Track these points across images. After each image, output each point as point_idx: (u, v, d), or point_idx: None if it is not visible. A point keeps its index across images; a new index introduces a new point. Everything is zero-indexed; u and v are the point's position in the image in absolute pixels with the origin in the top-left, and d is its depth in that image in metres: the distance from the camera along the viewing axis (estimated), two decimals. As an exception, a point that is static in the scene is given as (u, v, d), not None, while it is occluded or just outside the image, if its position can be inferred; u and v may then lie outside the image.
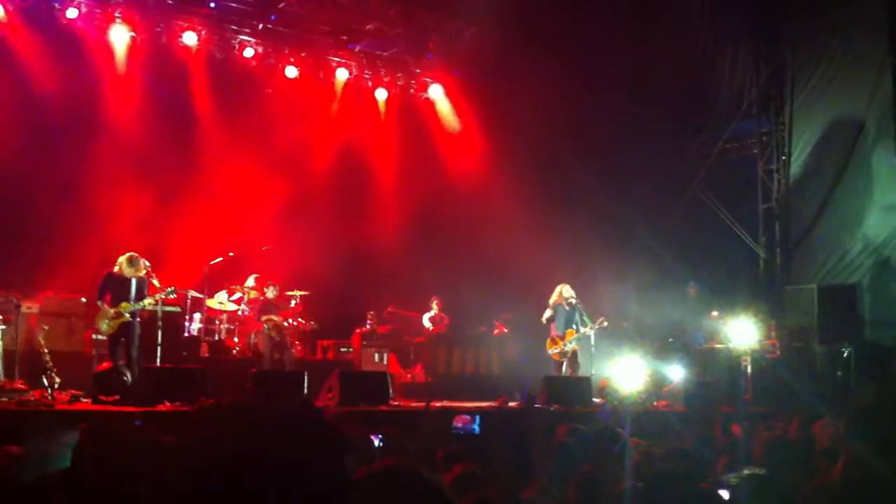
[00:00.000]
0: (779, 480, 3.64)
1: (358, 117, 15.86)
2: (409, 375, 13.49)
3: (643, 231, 14.15)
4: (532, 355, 13.17)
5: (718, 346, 12.85)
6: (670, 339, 13.30)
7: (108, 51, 13.42)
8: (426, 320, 14.43)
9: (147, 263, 10.14)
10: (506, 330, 14.31)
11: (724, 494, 3.41)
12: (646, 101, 14.14)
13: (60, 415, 8.20)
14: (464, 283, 13.90)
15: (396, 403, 10.43)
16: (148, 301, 10.08)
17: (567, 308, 12.40)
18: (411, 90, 16.29)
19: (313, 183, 14.66)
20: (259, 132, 14.27)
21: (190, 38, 13.90)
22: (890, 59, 12.83)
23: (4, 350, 10.23)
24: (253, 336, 12.67)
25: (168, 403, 8.86)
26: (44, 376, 9.13)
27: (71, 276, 11.42)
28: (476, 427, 8.72)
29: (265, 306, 12.21)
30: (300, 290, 13.07)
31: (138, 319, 10.08)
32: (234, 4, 14.16)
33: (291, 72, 14.95)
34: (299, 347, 13.10)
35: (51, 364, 9.26)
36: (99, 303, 9.97)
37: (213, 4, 14.15)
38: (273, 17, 14.51)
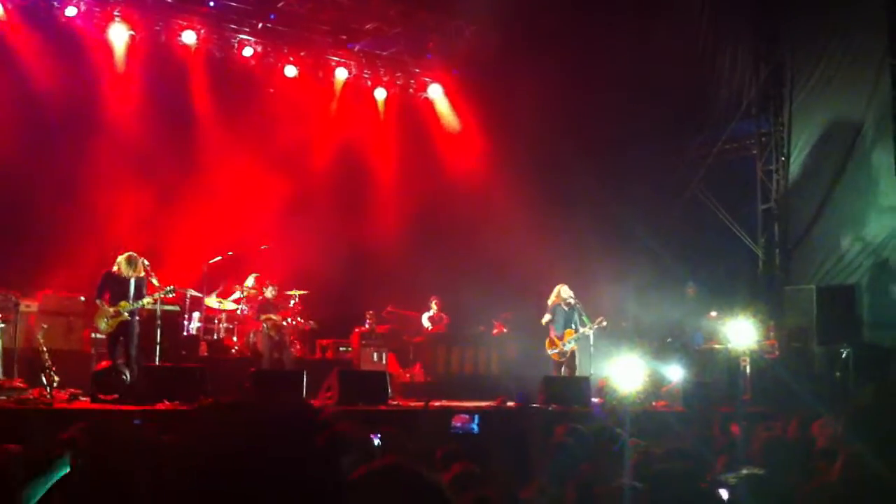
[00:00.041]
0: (777, 480, 3.65)
1: (357, 117, 15.85)
2: (408, 375, 13.49)
3: (642, 231, 14.15)
4: (531, 355, 13.17)
5: (717, 346, 12.85)
6: (669, 339, 13.30)
7: (107, 49, 13.42)
8: (425, 320, 14.43)
9: (146, 262, 10.14)
10: (505, 330, 14.32)
11: (723, 494, 3.41)
12: (645, 100, 14.15)
13: (59, 413, 8.19)
14: (463, 283, 13.90)
15: (395, 403, 10.43)
16: (147, 300, 10.08)
17: (566, 308, 12.40)
18: (411, 90, 16.29)
19: (312, 182, 14.66)
20: (258, 131, 14.26)
21: (189, 37, 13.89)
22: (889, 60, 12.82)
23: (3, 348, 10.23)
24: (252, 335, 12.67)
25: (167, 402, 8.87)
26: (43, 375, 9.13)
27: (70, 275, 11.42)
28: (475, 426, 8.71)
29: (264, 306, 12.21)
30: (299, 289, 13.07)
31: (137, 318, 10.09)
32: (233, 3, 14.16)
33: (291, 71, 14.95)
34: (298, 347, 13.11)
35: (50, 363, 9.25)
36: (98, 301, 9.97)
37: (212, 3, 14.15)
38: (272, 17, 14.51)
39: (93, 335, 10.85)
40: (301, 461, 1.59)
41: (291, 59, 14.96)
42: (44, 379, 9.10)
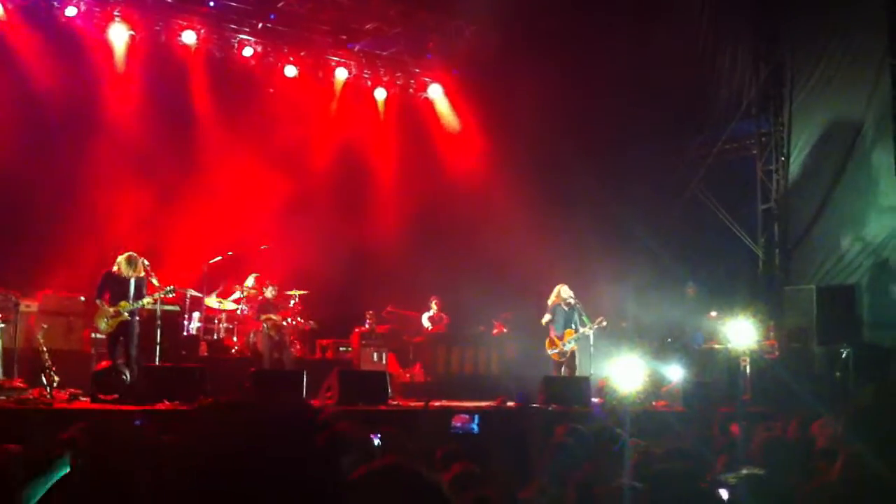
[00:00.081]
0: (777, 480, 3.65)
1: (357, 117, 15.85)
2: (407, 375, 13.49)
3: (642, 231, 14.15)
4: (531, 355, 13.17)
5: (717, 346, 12.85)
6: (669, 339, 13.30)
7: (107, 49, 13.42)
8: (425, 320, 14.42)
9: (146, 262, 10.15)
10: (505, 330, 14.31)
11: (723, 494, 3.41)
12: (645, 101, 14.16)
13: (59, 413, 8.19)
14: (463, 283, 13.90)
15: (395, 403, 10.43)
16: (147, 300, 10.08)
17: (566, 308, 12.40)
18: (410, 90, 16.29)
19: (312, 182, 14.66)
20: (258, 131, 14.26)
21: (189, 37, 13.89)
22: (889, 60, 12.82)
23: (3, 348, 10.23)
24: (252, 335, 12.67)
25: (167, 402, 8.87)
26: (43, 375, 9.13)
27: (70, 275, 11.42)
28: (475, 426, 8.72)
29: (264, 306, 12.21)
30: (299, 289, 13.07)
31: (137, 318, 10.09)
32: (233, 3, 14.16)
33: (291, 71, 14.95)
34: (298, 347, 13.10)
35: (50, 363, 9.26)
36: (98, 301, 9.97)
37: (212, 3, 14.15)
38: (272, 17, 14.51)
39: (93, 335, 10.85)
40: (301, 461, 1.59)
41: (291, 59, 14.96)
42: (44, 379, 9.11)
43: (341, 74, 15.55)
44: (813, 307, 12.66)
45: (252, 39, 14.53)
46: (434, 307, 14.44)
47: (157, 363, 10.29)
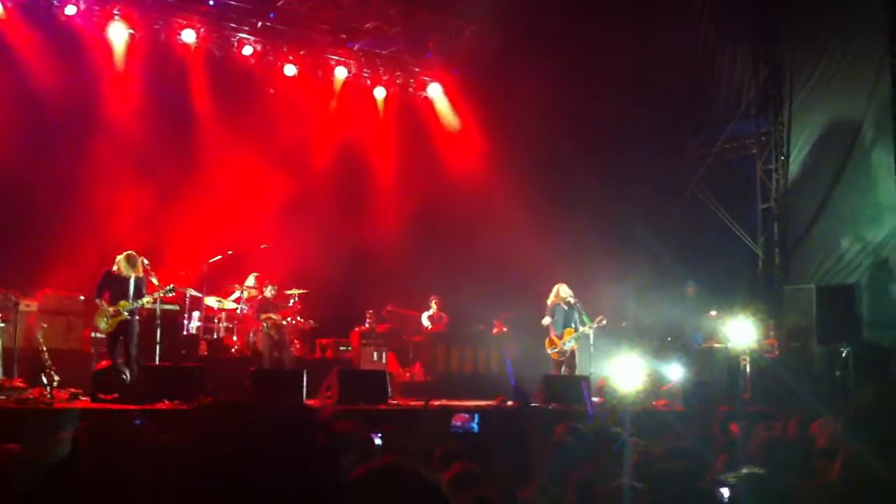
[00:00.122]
0: (777, 480, 3.65)
1: (357, 116, 15.85)
2: (407, 374, 13.50)
3: (642, 231, 14.15)
4: (531, 355, 13.16)
5: (717, 345, 12.86)
6: (669, 339, 13.31)
7: (107, 48, 13.42)
8: (425, 319, 14.43)
9: (146, 262, 10.14)
10: (505, 329, 14.32)
11: (723, 493, 3.41)
12: (645, 100, 14.15)
13: (59, 413, 8.19)
14: (463, 282, 13.90)
15: (395, 402, 10.44)
16: (146, 299, 10.07)
17: (565, 307, 12.41)
18: (410, 89, 16.29)
19: (312, 181, 14.66)
20: (258, 130, 14.26)
21: (189, 36, 13.89)
22: (888, 59, 12.82)
23: (3, 348, 10.22)
24: (252, 335, 12.67)
25: (167, 402, 8.87)
26: (43, 374, 9.13)
27: (70, 274, 11.41)
28: (475, 426, 8.72)
29: (264, 305, 12.22)
30: (299, 288, 13.07)
31: (137, 318, 10.09)
32: (233, 2, 14.16)
33: (290, 70, 14.95)
34: (298, 346, 13.11)
35: (50, 362, 9.25)
36: (97, 301, 9.97)
37: (211, 2, 14.16)
38: (272, 15, 14.51)
39: (93, 334, 10.85)
40: (301, 461, 1.59)
41: (291, 57, 14.97)
42: (44, 378, 9.11)
43: (341, 73, 15.56)
44: (813, 306, 12.66)
45: (252, 38, 14.53)
46: (434, 306, 14.44)
47: (156, 363, 10.29)
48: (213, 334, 13.01)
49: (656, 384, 11.79)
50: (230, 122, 13.98)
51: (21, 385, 9.61)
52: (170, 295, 10.64)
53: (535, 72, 13.61)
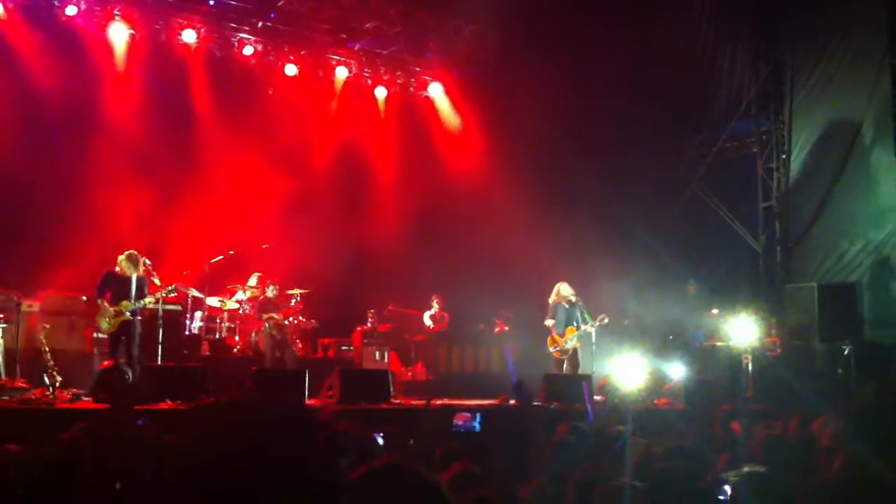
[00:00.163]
0: (778, 478, 3.65)
1: (357, 116, 15.85)
2: (409, 373, 13.49)
3: (643, 230, 14.15)
4: (532, 354, 13.16)
5: (719, 343, 12.85)
6: (671, 337, 13.30)
7: (108, 48, 13.42)
8: (427, 318, 14.43)
9: (147, 262, 10.15)
10: (506, 328, 14.32)
11: (725, 492, 3.41)
12: (645, 100, 14.15)
13: (61, 413, 8.20)
14: (464, 282, 13.90)
15: (397, 401, 10.43)
16: (148, 299, 10.07)
17: (566, 306, 12.41)
18: (411, 88, 16.29)
19: (313, 181, 14.67)
20: (258, 130, 14.26)
21: (189, 36, 13.90)
22: (889, 59, 12.81)
23: (5, 348, 10.24)
24: (254, 334, 12.67)
25: (169, 402, 8.86)
26: (45, 375, 9.14)
27: (71, 275, 11.42)
28: (476, 425, 8.72)
29: (266, 305, 12.22)
30: (301, 288, 13.07)
31: (139, 318, 10.08)
32: (233, 2, 14.17)
33: (291, 70, 14.95)
34: (300, 346, 13.11)
35: (52, 362, 9.27)
36: (99, 301, 9.97)
37: (212, 2, 14.16)
38: (273, 15, 14.52)
39: (95, 335, 10.86)
40: (300, 461, 1.59)
41: (292, 57, 14.97)
42: (46, 379, 9.12)
43: (341, 73, 15.56)
44: (814, 305, 12.64)
45: (252, 38, 14.53)
46: (435, 306, 14.45)
47: (159, 363, 10.29)
48: (215, 334, 13.02)
49: (658, 383, 11.78)
50: (231, 122, 13.98)
51: (23, 385, 9.61)
52: (172, 295, 10.64)
53: (534, 72, 13.61)
